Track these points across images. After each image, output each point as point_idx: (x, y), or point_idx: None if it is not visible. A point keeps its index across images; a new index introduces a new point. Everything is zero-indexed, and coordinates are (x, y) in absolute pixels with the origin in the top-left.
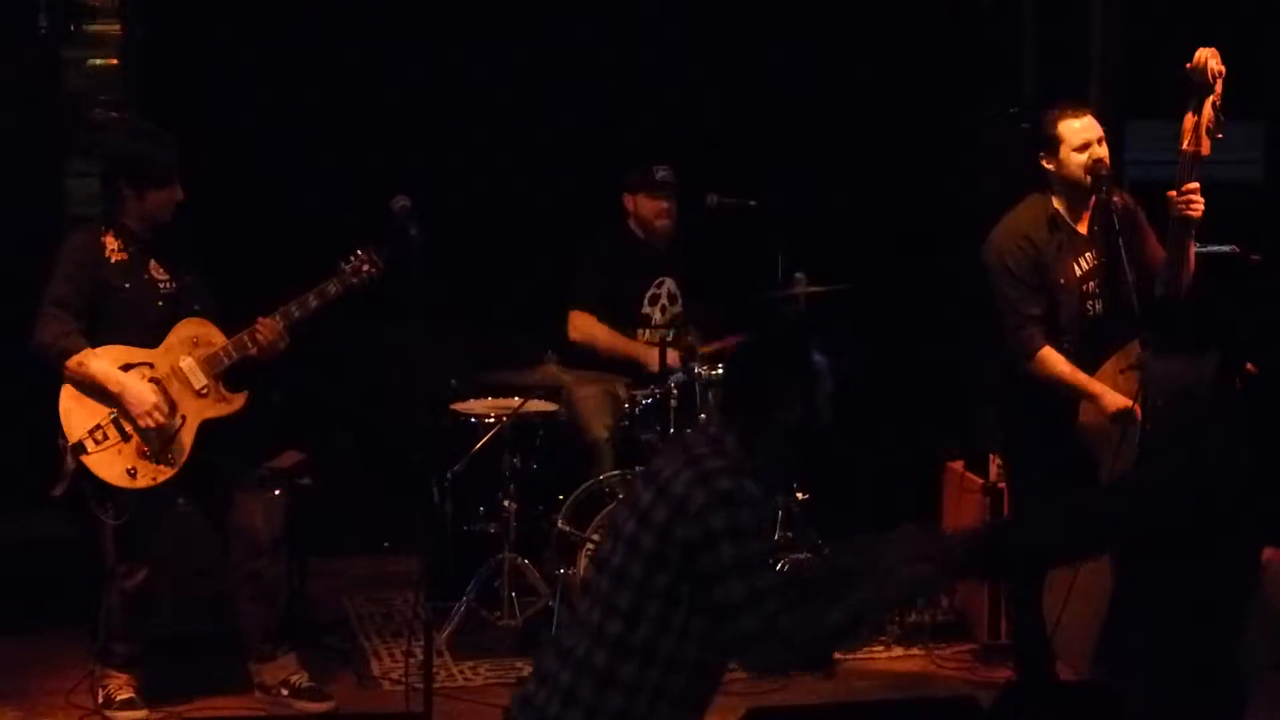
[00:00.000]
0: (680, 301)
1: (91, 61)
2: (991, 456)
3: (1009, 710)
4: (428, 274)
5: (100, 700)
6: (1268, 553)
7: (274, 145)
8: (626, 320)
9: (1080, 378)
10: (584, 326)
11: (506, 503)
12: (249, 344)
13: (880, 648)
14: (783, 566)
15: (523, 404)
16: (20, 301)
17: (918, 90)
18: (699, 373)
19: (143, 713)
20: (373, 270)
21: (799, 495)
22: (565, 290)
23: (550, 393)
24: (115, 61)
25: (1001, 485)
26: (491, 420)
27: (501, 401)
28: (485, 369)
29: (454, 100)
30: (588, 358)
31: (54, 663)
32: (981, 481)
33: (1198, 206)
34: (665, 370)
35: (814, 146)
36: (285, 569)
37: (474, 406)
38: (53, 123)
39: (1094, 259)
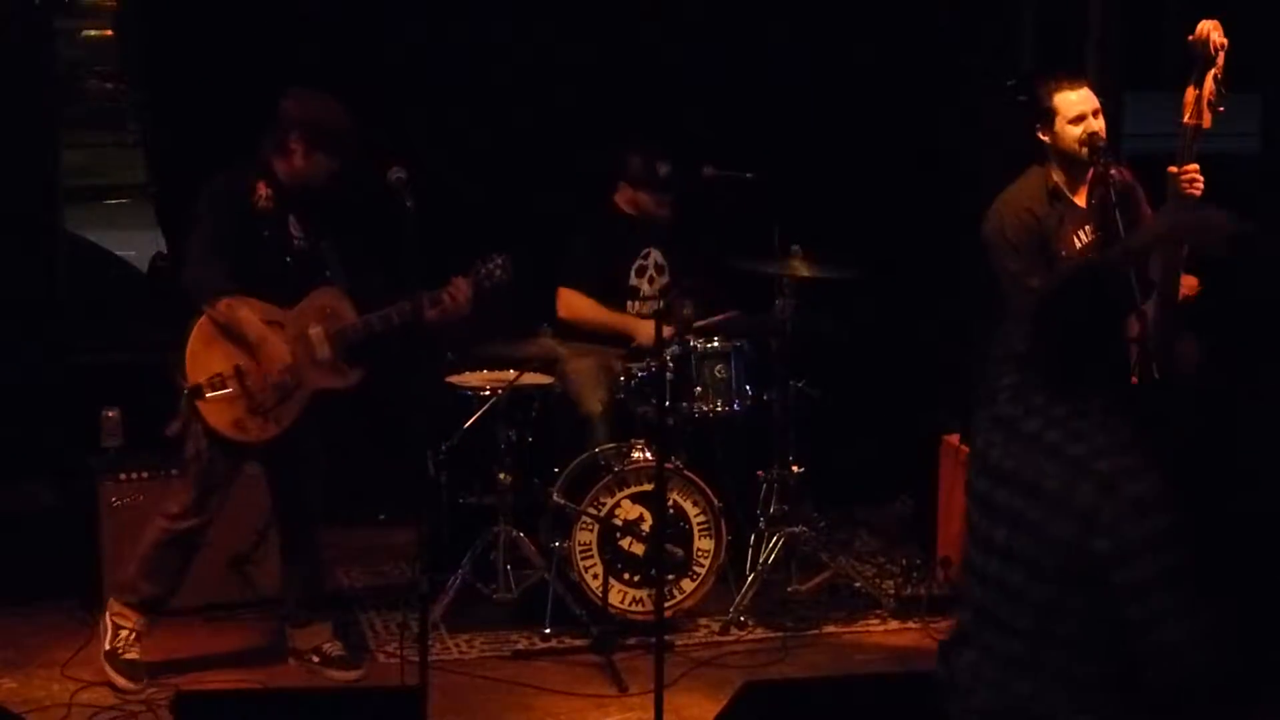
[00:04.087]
0: (668, 271)
1: (86, 32)
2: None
3: None
4: (423, 245)
5: (108, 646)
6: None
7: (269, 115)
8: (615, 293)
9: None
10: (572, 303)
11: (502, 475)
12: (419, 305)
13: (876, 621)
14: (778, 540)
15: (518, 377)
16: (15, 273)
17: (916, 64)
18: (694, 346)
19: (137, 685)
20: (506, 275)
21: (794, 469)
22: (556, 268)
23: (546, 365)
24: (109, 32)
25: None
26: (487, 393)
27: (497, 374)
28: (481, 341)
29: (451, 72)
30: (583, 331)
31: (50, 634)
32: None
33: (1198, 185)
34: (661, 343)
35: (812, 120)
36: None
37: (469, 379)
38: (47, 93)
39: (1093, 232)
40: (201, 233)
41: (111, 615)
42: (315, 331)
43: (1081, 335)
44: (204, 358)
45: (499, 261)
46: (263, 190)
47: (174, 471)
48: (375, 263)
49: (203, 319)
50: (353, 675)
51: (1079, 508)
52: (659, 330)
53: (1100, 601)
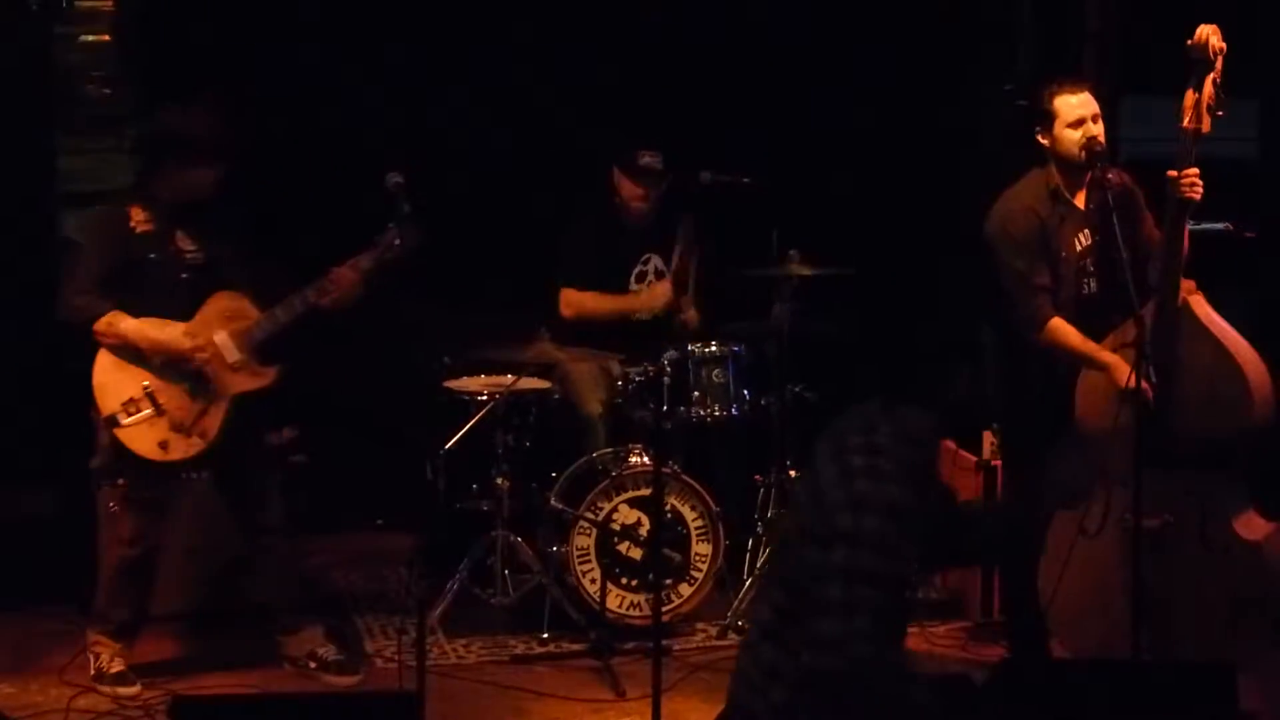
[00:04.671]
0: (668, 278)
1: (83, 37)
2: (985, 434)
3: (1003, 688)
4: (420, 251)
5: (93, 672)
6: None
7: (267, 119)
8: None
9: (1091, 347)
10: (574, 301)
11: (499, 480)
12: (310, 298)
13: None
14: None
15: (516, 381)
16: (14, 279)
17: (916, 67)
18: (692, 350)
19: (135, 688)
20: (409, 243)
21: (792, 473)
22: (553, 270)
23: (543, 370)
24: (107, 37)
25: (995, 462)
26: (485, 398)
27: (495, 379)
28: (478, 346)
29: (450, 76)
30: (581, 335)
31: (48, 640)
32: (975, 459)
33: (1198, 189)
34: (658, 349)
35: (811, 124)
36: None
37: (467, 384)
38: (44, 99)
39: (1091, 236)
40: (74, 263)
41: (90, 646)
42: (220, 337)
43: None
44: (112, 386)
45: (394, 230)
46: (138, 215)
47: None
48: (273, 259)
49: (101, 350)
50: (352, 680)
51: None
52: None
53: None
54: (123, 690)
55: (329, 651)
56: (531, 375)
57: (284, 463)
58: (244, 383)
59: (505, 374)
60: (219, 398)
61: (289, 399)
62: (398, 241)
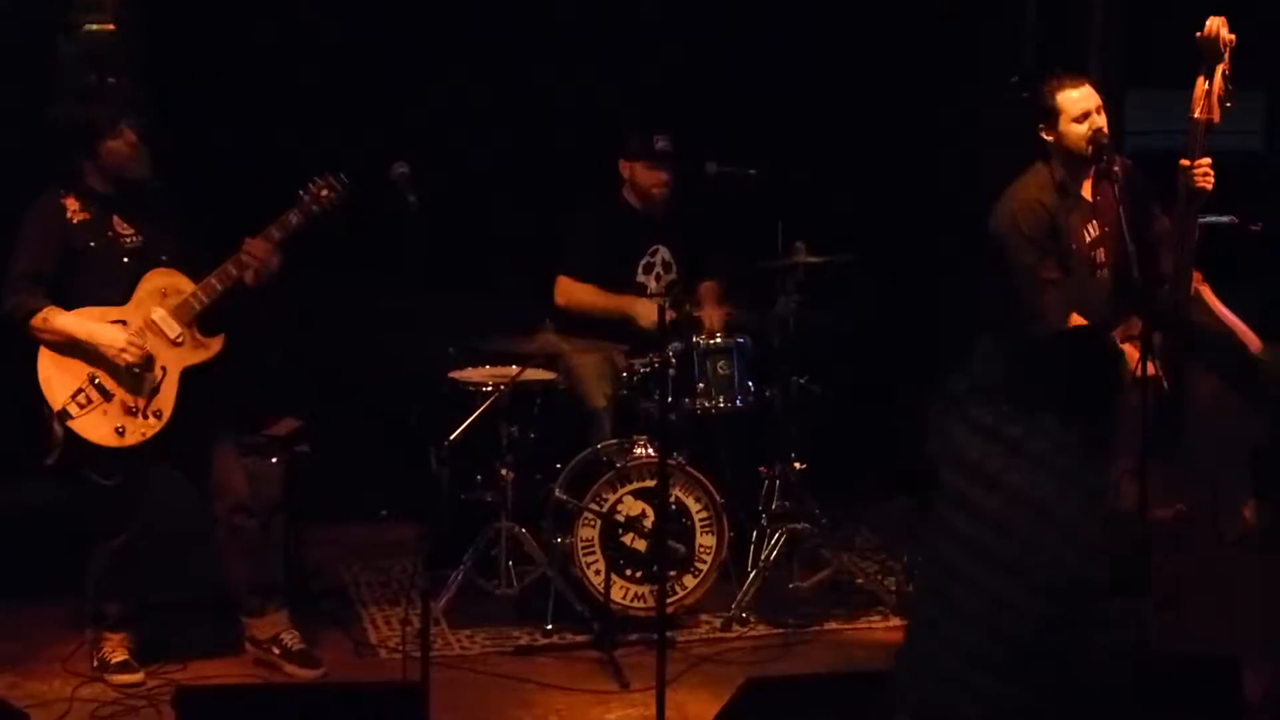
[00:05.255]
0: (675, 270)
1: (87, 26)
2: None
3: None
4: (425, 240)
5: (96, 664)
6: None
7: (272, 109)
8: (621, 289)
9: None
10: (569, 290)
11: (504, 471)
12: (233, 272)
13: (878, 618)
14: (780, 537)
15: (520, 372)
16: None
17: (919, 62)
18: (697, 342)
19: (139, 675)
20: (332, 193)
21: (796, 465)
22: (557, 258)
23: (548, 361)
24: (111, 26)
25: None
26: (489, 389)
27: (499, 370)
28: (483, 337)
29: (454, 64)
30: (585, 326)
31: (50, 630)
32: None
33: (1210, 180)
34: (664, 337)
35: (816, 117)
36: (281, 531)
37: (472, 375)
38: (47, 88)
39: (1099, 227)
40: (11, 265)
41: (89, 643)
42: (159, 313)
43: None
44: (58, 380)
45: (326, 180)
46: (72, 204)
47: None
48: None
49: (40, 346)
50: (313, 674)
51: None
52: (662, 315)
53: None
54: (126, 678)
55: (294, 640)
56: (536, 366)
57: (288, 453)
58: (189, 356)
59: (510, 365)
60: (167, 375)
61: (293, 389)
62: (325, 192)
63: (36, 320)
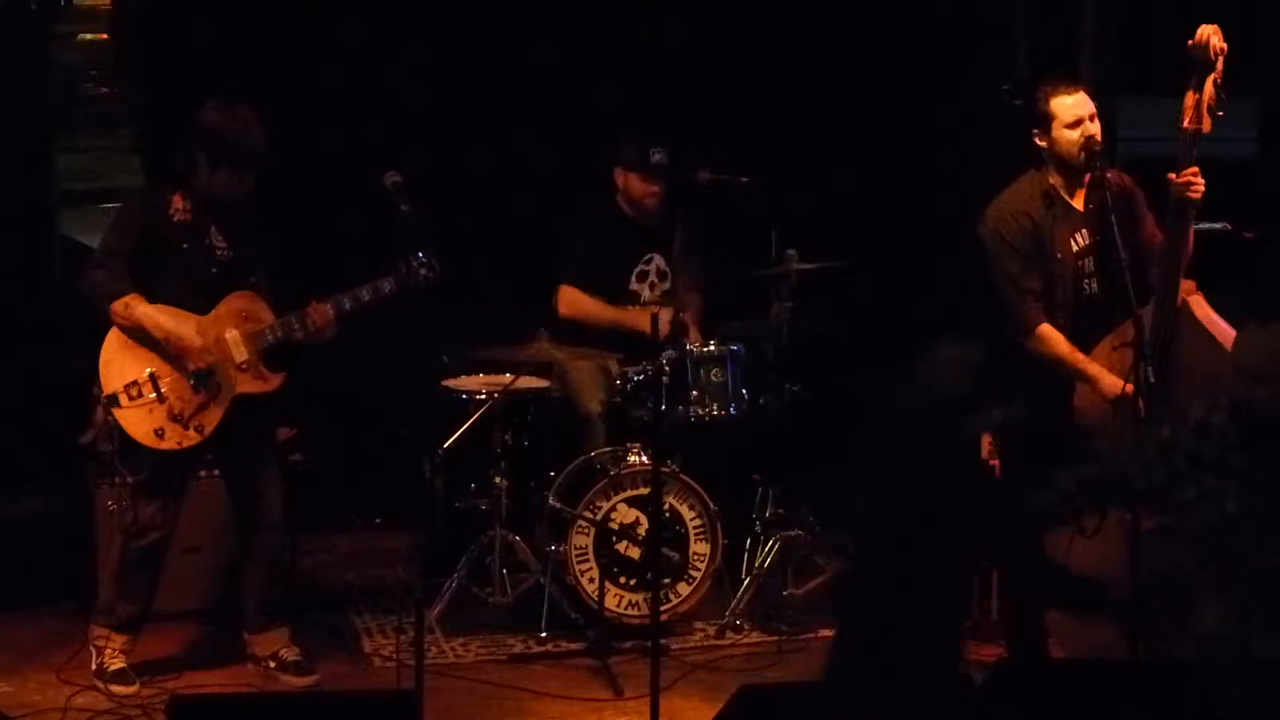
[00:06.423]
0: (670, 278)
1: (81, 36)
2: (984, 435)
3: (1002, 688)
4: (418, 249)
5: (94, 667)
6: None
7: (267, 120)
8: (615, 297)
9: (1078, 358)
10: (573, 301)
11: (498, 479)
12: (296, 326)
13: None
14: (774, 544)
15: (514, 381)
16: (12, 278)
17: (914, 67)
18: (691, 350)
19: (134, 687)
20: (431, 276)
21: (790, 473)
22: (553, 266)
23: (542, 369)
24: (105, 36)
25: (994, 462)
26: (483, 397)
27: (493, 378)
28: (477, 345)
29: (448, 76)
30: (579, 334)
31: (46, 639)
32: None
33: (1198, 189)
34: (658, 345)
35: (809, 123)
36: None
37: (465, 383)
38: (43, 97)
39: (1089, 236)
40: (104, 240)
41: (93, 640)
42: (232, 335)
43: None
44: (118, 365)
45: (424, 259)
46: (178, 203)
47: (203, 473)
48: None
49: (114, 328)
50: (305, 681)
51: None
52: (654, 324)
53: None
54: (121, 689)
55: (290, 653)
56: (530, 374)
57: (282, 462)
58: (248, 384)
59: (504, 373)
60: (222, 395)
61: (287, 398)
62: (424, 272)
63: (118, 305)
